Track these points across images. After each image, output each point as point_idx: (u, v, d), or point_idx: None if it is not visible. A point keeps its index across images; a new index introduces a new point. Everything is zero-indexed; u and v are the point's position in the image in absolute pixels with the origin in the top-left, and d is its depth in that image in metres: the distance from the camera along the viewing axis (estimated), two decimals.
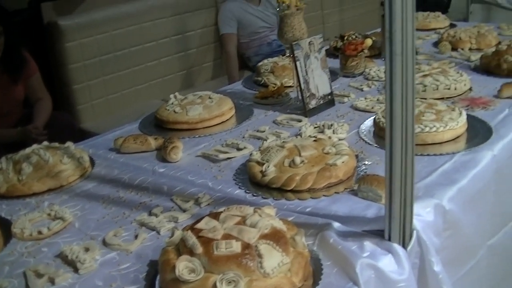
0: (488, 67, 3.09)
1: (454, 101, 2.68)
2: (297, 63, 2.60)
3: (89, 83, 4.38)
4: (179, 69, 4.89)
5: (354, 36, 3.12)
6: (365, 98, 2.78)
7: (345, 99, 2.80)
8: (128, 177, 2.21)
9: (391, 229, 1.60)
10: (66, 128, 3.97)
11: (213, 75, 5.12)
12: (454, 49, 3.54)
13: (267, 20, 5.11)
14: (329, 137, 2.29)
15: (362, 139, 2.35)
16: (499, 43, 3.43)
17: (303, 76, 2.63)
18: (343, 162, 1.98)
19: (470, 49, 3.53)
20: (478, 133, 2.35)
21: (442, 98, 2.73)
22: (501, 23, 4.07)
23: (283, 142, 2.15)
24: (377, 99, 2.76)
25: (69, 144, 2.33)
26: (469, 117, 2.40)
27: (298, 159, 1.99)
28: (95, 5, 4.41)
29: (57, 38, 4.18)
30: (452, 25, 4.21)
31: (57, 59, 4.25)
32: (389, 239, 1.62)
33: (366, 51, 3.12)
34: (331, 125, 2.45)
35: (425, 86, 2.74)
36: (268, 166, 2.00)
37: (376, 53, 3.51)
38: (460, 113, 2.35)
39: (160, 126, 2.67)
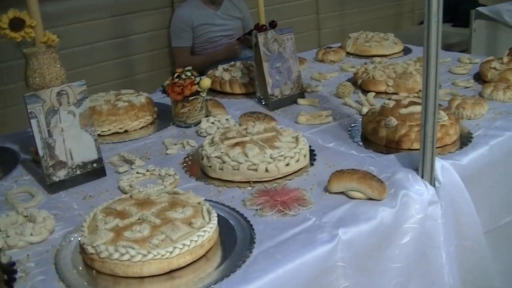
0: (366, 131, 2.03)
1: (254, 193, 1.67)
2: (33, 121, 1.69)
3: (1, 88, 3.62)
4: (119, 76, 4.02)
5: (188, 74, 2.13)
6: (147, 171, 1.83)
7: (122, 168, 1.85)
8: None
9: None
10: None
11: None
12: (365, 91, 2.45)
13: (227, 27, 4.12)
14: None
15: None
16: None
17: (44, 139, 1.72)
18: None
19: (386, 93, 2.42)
20: (229, 267, 1.38)
21: (249, 182, 1.72)
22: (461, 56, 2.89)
23: None
24: (158, 174, 1.81)
25: None
26: (232, 230, 1.52)
27: None
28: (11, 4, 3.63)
29: None
30: (406, 52, 3.06)
31: None
32: None
33: (203, 93, 2.13)
34: (33, 216, 1.55)
35: (223, 162, 1.74)
36: None
37: (249, 91, 2.49)
38: (206, 225, 1.39)
39: None
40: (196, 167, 1.88)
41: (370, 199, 1.64)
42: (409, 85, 2.42)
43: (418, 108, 1.97)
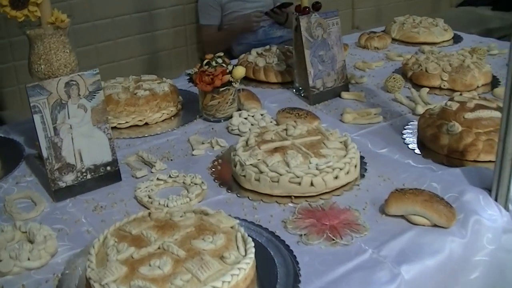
0: (423, 137, 1.70)
1: (297, 213, 1.37)
2: (36, 117, 1.40)
3: (15, 63, 3.33)
4: (141, 52, 3.71)
5: (219, 61, 1.81)
6: (169, 177, 1.53)
7: (140, 173, 1.56)
8: None
9: None
10: None
11: (190, 63, 3.91)
12: (417, 85, 2.12)
13: (258, 4, 3.76)
14: None
15: None
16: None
17: (49, 138, 1.42)
18: None
19: (440, 88, 2.09)
20: None
21: (290, 197, 1.42)
22: None
23: None
24: (183, 182, 1.51)
25: None
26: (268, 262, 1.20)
27: None
28: None
29: None
30: (457, 40, 2.71)
31: None
32: None
33: (236, 84, 1.81)
34: (32, 234, 1.26)
35: (260, 173, 1.43)
36: None
37: (286, 80, 2.17)
38: (241, 260, 1.10)
39: None
40: (227, 174, 1.58)
41: (435, 225, 1.33)
42: (467, 81, 2.09)
43: (486, 113, 1.65)
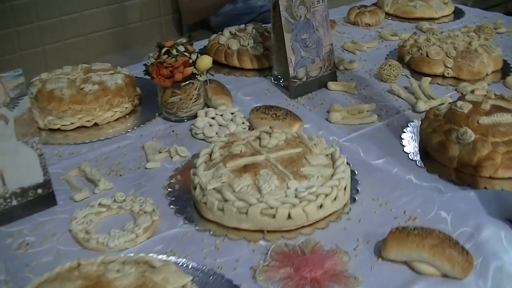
0: (427, 144, 1.37)
1: (270, 258, 1.05)
2: None
3: None
4: (111, 25, 3.34)
5: (181, 49, 1.47)
6: (114, 201, 1.20)
7: (79, 195, 1.24)
8: None
9: None
10: None
11: (164, 35, 3.54)
12: (416, 72, 1.78)
13: None
14: None
15: None
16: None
17: None
18: None
19: (443, 76, 1.76)
20: None
21: (262, 231, 1.10)
22: None
23: None
24: (130, 209, 1.18)
25: None
26: None
27: None
28: None
29: None
30: (458, 15, 2.36)
31: None
32: None
33: (201, 77, 1.47)
34: None
35: (224, 201, 1.11)
36: None
37: (264, 65, 1.82)
38: None
39: None
40: (186, 195, 1.25)
41: (445, 275, 1.02)
42: (475, 68, 1.76)
43: (506, 118, 1.34)
